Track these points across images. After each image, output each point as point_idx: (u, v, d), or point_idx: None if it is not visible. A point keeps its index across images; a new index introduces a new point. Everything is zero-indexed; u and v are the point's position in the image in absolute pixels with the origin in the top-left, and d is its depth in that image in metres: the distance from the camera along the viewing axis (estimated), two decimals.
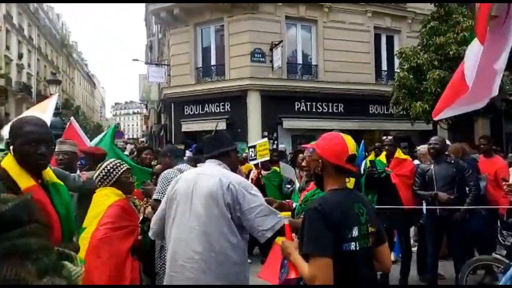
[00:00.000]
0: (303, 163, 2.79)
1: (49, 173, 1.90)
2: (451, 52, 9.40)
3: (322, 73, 13.95)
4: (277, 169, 5.42)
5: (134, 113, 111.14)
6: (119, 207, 2.64)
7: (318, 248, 1.62)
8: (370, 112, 14.47)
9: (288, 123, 13.19)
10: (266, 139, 5.95)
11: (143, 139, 53.85)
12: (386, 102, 12.17)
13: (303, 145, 2.46)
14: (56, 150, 3.44)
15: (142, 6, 31.00)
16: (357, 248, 1.70)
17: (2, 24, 29.63)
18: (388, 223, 4.09)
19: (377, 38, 14.97)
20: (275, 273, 2.49)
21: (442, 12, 10.45)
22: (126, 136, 48.86)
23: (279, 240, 2.15)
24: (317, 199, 1.79)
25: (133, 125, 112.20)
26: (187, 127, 13.83)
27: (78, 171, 3.51)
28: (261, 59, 13.26)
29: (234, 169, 2.52)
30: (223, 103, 13.55)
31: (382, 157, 4.77)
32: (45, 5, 44.98)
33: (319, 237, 1.64)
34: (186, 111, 14.18)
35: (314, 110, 13.84)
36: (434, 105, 9.51)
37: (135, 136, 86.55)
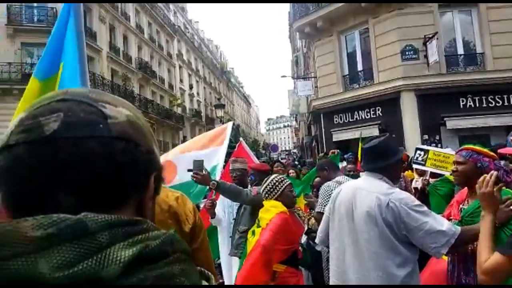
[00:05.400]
0: (453, 168, 2.33)
1: None
2: None
3: (490, 62, 11.98)
4: (449, 176, 4.83)
5: (284, 126, 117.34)
6: (284, 219, 2.83)
7: None
8: None
9: (453, 123, 11.71)
10: (453, 152, 4.98)
11: (295, 150, 56.05)
12: None
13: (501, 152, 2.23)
14: (230, 168, 3.94)
15: (285, 25, 32.81)
16: None
17: (176, 62, 35.67)
18: None
19: None
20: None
21: None
22: (279, 149, 51.86)
23: None
24: None
25: (284, 137, 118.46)
26: (338, 136, 13.78)
27: (249, 186, 3.92)
28: (414, 56, 12.26)
29: (396, 181, 2.36)
30: (373, 108, 13.03)
31: None
32: (205, 38, 52.11)
33: None
34: (336, 120, 14.18)
35: (484, 105, 11.94)
36: None
37: (287, 148, 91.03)
